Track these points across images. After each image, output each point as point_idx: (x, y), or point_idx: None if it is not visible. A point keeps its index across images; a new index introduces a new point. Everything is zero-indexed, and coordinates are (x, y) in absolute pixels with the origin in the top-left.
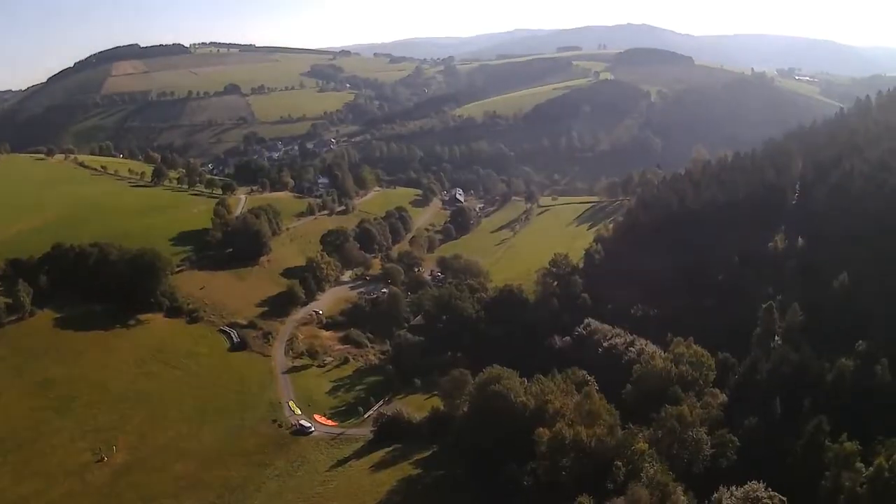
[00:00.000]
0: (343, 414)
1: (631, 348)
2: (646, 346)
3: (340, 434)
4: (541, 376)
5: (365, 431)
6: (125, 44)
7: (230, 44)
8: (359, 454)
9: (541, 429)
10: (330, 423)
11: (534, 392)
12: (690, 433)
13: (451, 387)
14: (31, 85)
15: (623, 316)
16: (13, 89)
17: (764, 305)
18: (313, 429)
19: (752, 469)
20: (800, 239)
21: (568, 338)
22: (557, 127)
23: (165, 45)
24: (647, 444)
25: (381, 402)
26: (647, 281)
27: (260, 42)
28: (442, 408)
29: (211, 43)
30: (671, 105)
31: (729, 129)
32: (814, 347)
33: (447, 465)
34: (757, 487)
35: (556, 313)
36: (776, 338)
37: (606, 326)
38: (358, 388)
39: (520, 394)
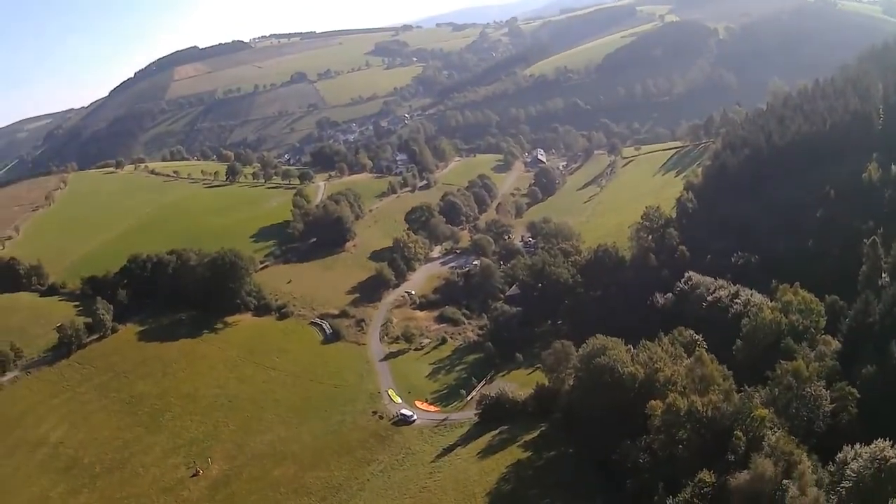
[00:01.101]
0: (445, 398)
1: (736, 300)
2: (751, 296)
3: (444, 420)
4: (647, 342)
5: (469, 415)
6: (184, 48)
7: (290, 33)
8: (465, 440)
9: (653, 401)
10: (432, 408)
11: (642, 360)
12: (809, 389)
13: (554, 361)
14: (92, 101)
15: (723, 266)
16: (75, 107)
17: (867, 241)
18: (415, 417)
19: (874, 422)
20: (893, 166)
21: (670, 294)
22: (630, 75)
23: (225, 44)
24: (766, 409)
25: (482, 382)
26: (743, 226)
27: (320, 28)
28: (547, 383)
29: (271, 35)
30: (740, 39)
31: (800, 57)
32: None
33: (557, 445)
34: (884, 446)
35: (655, 269)
36: (884, 275)
37: (708, 279)
38: (458, 368)
39: (627, 364)
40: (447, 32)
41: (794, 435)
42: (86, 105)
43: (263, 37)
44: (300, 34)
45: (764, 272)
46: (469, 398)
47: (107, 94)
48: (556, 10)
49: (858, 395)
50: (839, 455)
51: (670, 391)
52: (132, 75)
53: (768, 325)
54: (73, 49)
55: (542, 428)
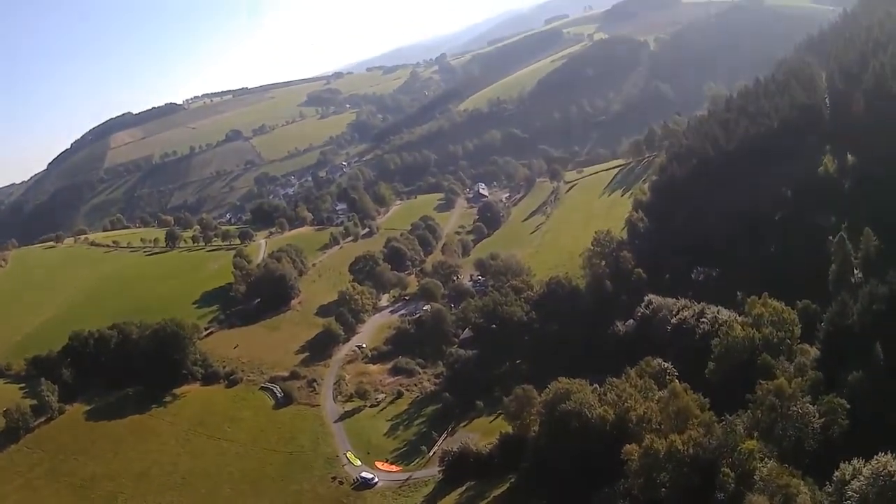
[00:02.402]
0: (406, 455)
1: (702, 319)
2: (718, 313)
3: (407, 479)
4: (613, 379)
5: (433, 471)
6: (117, 115)
7: (223, 91)
8: (430, 500)
9: (628, 446)
10: (394, 468)
11: (610, 400)
12: (794, 408)
13: (517, 407)
14: (32, 175)
15: (684, 284)
16: (16, 182)
17: (835, 238)
18: (377, 479)
19: (867, 431)
20: (849, 156)
21: (631, 321)
22: (565, 98)
23: (158, 108)
24: (753, 440)
25: (444, 436)
26: (699, 239)
27: (252, 83)
28: (511, 431)
29: (203, 95)
30: (671, 49)
31: (735, 58)
32: None
33: (528, 498)
34: (886, 460)
35: (612, 296)
36: (856, 271)
37: (670, 300)
38: (417, 422)
39: (595, 406)
40: (378, 76)
41: (784, 458)
42: (27, 179)
43: (196, 97)
44: (232, 91)
45: (727, 285)
46: (431, 454)
47: (45, 167)
48: (484, 42)
49: (848, 406)
50: (836, 473)
51: (645, 431)
52: (69, 146)
53: (741, 342)
54: (9, 122)
55: (511, 480)
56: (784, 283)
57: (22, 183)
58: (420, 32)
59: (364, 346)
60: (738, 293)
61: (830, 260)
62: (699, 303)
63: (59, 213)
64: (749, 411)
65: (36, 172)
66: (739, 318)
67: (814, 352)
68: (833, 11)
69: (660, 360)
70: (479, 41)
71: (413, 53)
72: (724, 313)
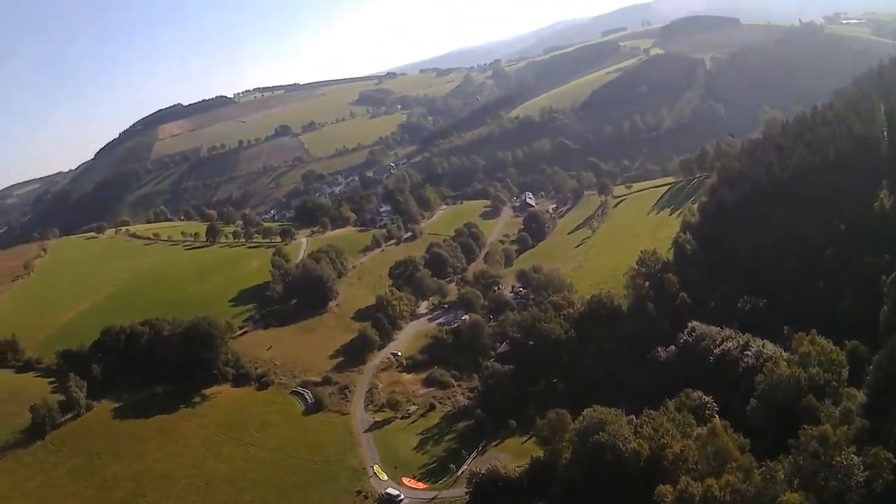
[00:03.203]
0: (434, 473)
1: (747, 352)
2: (763, 346)
3: (433, 499)
4: (651, 412)
5: (460, 492)
6: (167, 106)
7: (274, 86)
8: None
9: (662, 486)
10: (420, 486)
11: (646, 434)
12: (838, 458)
13: (550, 432)
14: (80, 164)
15: (729, 312)
16: (63, 171)
17: (888, 278)
18: (402, 497)
19: None
20: None
21: (673, 347)
22: (617, 112)
23: (209, 100)
24: (796, 494)
25: (474, 454)
26: (747, 267)
27: (304, 79)
28: (542, 456)
29: (255, 89)
30: (727, 70)
31: (791, 84)
32: None
33: None
34: None
35: (654, 320)
36: None
37: (714, 329)
38: (447, 438)
39: (629, 440)
40: (431, 78)
41: None
42: (73, 168)
43: (247, 91)
44: (284, 87)
45: (774, 318)
46: (459, 473)
47: (92, 156)
48: (540, 49)
49: (894, 460)
50: None
51: (681, 471)
52: (117, 136)
53: (786, 381)
54: (62, 110)
55: None
56: (833, 320)
57: (69, 172)
58: (475, 37)
59: (399, 353)
60: (785, 327)
61: (882, 301)
62: (744, 334)
63: (103, 204)
64: (791, 457)
65: (83, 162)
66: (785, 355)
67: (860, 397)
68: (890, 45)
69: (700, 394)
70: (534, 49)
71: (467, 57)
72: (770, 347)
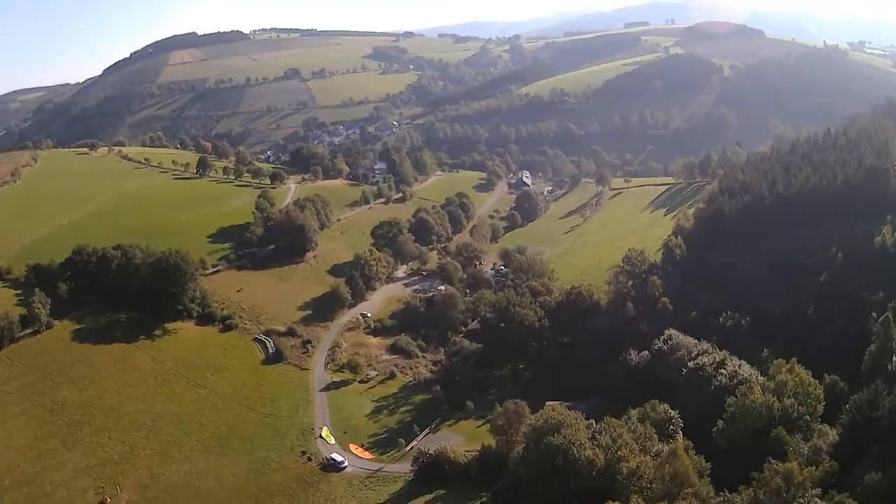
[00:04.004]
0: (383, 444)
1: (721, 370)
2: (739, 367)
3: (378, 470)
4: (612, 420)
5: (406, 468)
6: (182, 32)
7: (291, 28)
8: (396, 501)
9: (611, 503)
10: (367, 455)
11: (603, 443)
12: (801, 500)
13: (505, 422)
14: (87, 78)
15: (710, 326)
16: (70, 82)
17: (877, 316)
18: (346, 464)
19: None
20: None
21: (646, 352)
22: (628, 104)
23: (224, 33)
24: None
25: (426, 431)
26: (736, 282)
27: (322, 26)
28: (494, 446)
29: (271, 28)
30: (744, 79)
31: (806, 102)
32: None
33: None
34: None
35: (632, 320)
36: (895, 359)
37: (691, 340)
38: (403, 409)
39: (585, 446)
40: (448, 43)
41: None
42: (80, 81)
43: (263, 29)
44: (300, 31)
45: (755, 338)
46: (409, 448)
47: (100, 72)
48: (560, 32)
49: None
50: None
51: (633, 490)
52: (128, 55)
53: (758, 408)
54: (78, 23)
55: (483, 499)
56: (815, 349)
57: (76, 84)
58: (498, 10)
59: (369, 315)
60: (765, 350)
61: (870, 339)
62: (722, 350)
63: (103, 121)
64: (752, 490)
65: (90, 76)
66: (761, 380)
67: (833, 435)
68: None
69: (666, 407)
70: (555, 30)
71: (487, 30)
72: (746, 369)
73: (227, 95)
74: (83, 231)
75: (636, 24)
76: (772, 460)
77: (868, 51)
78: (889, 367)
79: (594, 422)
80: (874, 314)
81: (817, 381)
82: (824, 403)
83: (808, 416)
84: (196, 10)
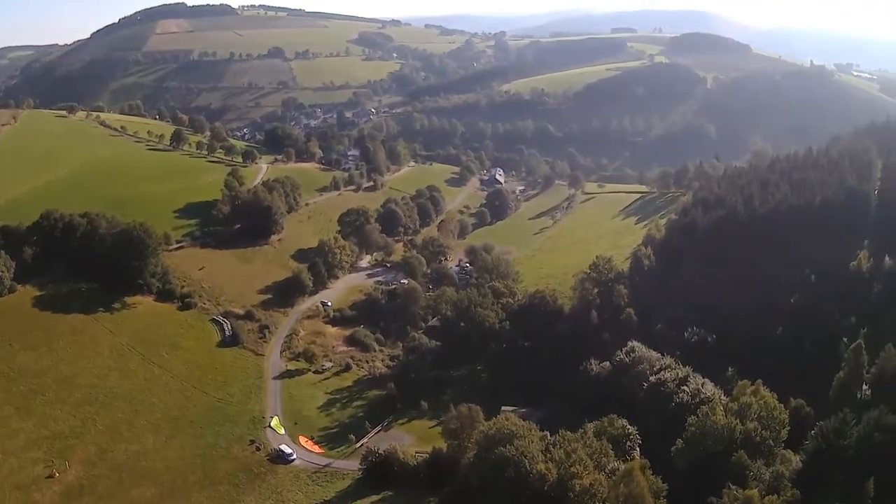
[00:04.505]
0: (333, 439)
1: (684, 387)
2: (703, 385)
3: (326, 466)
4: (567, 433)
5: (354, 465)
6: (171, 2)
7: (279, 7)
8: (342, 499)
9: None
10: (316, 449)
11: (556, 457)
12: None
13: (458, 425)
14: (75, 40)
15: (674, 341)
16: (60, 43)
17: (849, 342)
18: (295, 456)
19: None
20: (887, 258)
21: (607, 363)
22: (608, 109)
23: (212, 6)
24: None
25: (377, 428)
26: (704, 298)
27: (310, 7)
28: (445, 450)
29: (260, 5)
30: (728, 92)
31: (787, 120)
32: None
33: None
34: None
35: (595, 329)
36: (864, 387)
37: (654, 354)
38: (356, 404)
39: (537, 460)
40: (434, 34)
41: None
42: (69, 43)
43: (252, 6)
44: (288, 10)
45: (721, 356)
46: (359, 445)
47: (89, 35)
48: (547, 32)
49: None
50: None
51: None
52: (117, 20)
53: (719, 430)
54: None
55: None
56: (782, 372)
57: (64, 45)
58: (485, 5)
59: (329, 304)
60: (730, 369)
61: (840, 365)
62: (685, 366)
63: (87, 85)
64: None
65: (79, 39)
66: (724, 400)
67: (796, 461)
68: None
69: (625, 423)
70: (542, 30)
71: (474, 23)
72: (709, 388)
73: (210, 69)
74: (54, 195)
75: (623, 29)
76: (731, 486)
77: (855, 73)
78: (858, 395)
79: (548, 434)
80: (845, 340)
81: (782, 406)
82: (789, 428)
83: (771, 441)
84: None
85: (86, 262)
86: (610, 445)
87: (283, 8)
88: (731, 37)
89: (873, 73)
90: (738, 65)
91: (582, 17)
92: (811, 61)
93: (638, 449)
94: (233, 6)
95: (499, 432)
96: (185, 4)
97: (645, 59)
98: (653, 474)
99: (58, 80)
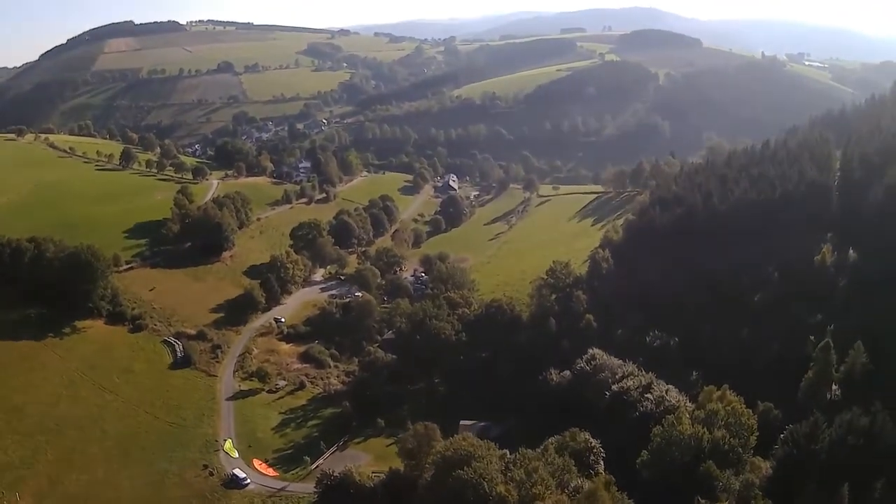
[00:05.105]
0: (288, 461)
1: (647, 394)
2: (667, 392)
3: (281, 489)
4: (527, 452)
5: (310, 488)
6: (119, 21)
7: (228, 21)
8: None
9: None
10: (271, 472)
11: (516, 478)
12: None
13: (415, 444)
14: (24, 62)
15: (636, 346)
16: (8, 66)
17: (817, 341)
18: (249, 481)
19: None
20: (851, 251)
21: (567, 372)
22: (560, 110)
23: (160, 23)
24: None
25: (332, 449)
26: (665, 299)
27: (259, 20)
28: (402, 470)
29: (208, 21)
30: (680, 88)
31: (740, 113)
32: (883, 403)
33: None
34: None
35: (554, 337)
36: (834, 387)
37: (616, 361)
38: (311, 423)
39: (496, 481)
40: (383, 42)
41: None
42: (18, 66)
43: (200, 21)
44: (237, 24)
45: (685, 360)
46: (314, 467)
47: (37, 57)
48: (497, 35)
49: None
50: None
51: None
52: (65, 41)
53: (686, 440)
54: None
55: None
56: (748, 373)
57: (13, 68)
58: (437, 11)
59: (283, 320)
60: (695, 373)
61: (807, 363)
62: (648, 373)
63: (36, 107)
64: None
65: (27, 61)
66: (690, 407)
67: (766, 468)
68: (854, 94)
69: (587, 436)
70: (491, 34)
71: (424, 30)
72: (674, 394)
73: (160, 87)
74: (1, 220)
75: (573, 29)
76: (700, 499)
77: (807, 63)
78: (828, 396)
79: (508, 452)
80: (812, 337)
81: (750, 411)
82: (757, 434)
83: (740, 448)
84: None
85: (35, 287)
86: (573, 461)
87: (232, 22)
88: (681, 32)
89: (824, 61)
90: (690, 60)
91: (531, 18)
92: (762, 53)
93: (602, 462)
94: (181, 22)
95: (456, 453)
96: (133, 23)
97: (595, 58)
98: (618, 490)
99: (7, 103)
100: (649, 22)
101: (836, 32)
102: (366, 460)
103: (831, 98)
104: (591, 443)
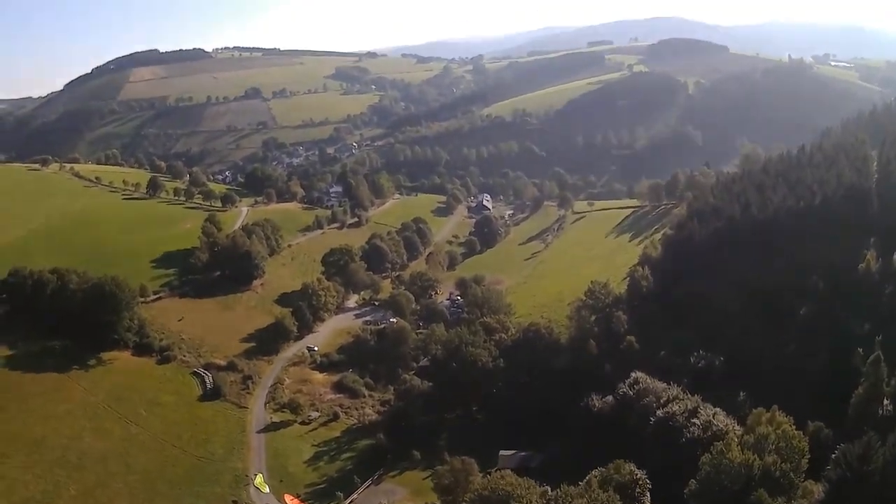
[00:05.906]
0: (321, 495)
1: (694, 419)
2: (714, 416)
3: None
4: (569, 489)
5: None
6: (144, 49)
7: (254, 48)
8: None
9: None
10: None
11: None
12: None
13: (452, 480)
14: (50, 92)
15: (680, 367)
16: (34, 96)
17: (865, 354)
18: None
19: None
20: (895, 257)
21: (610, 397)
22: (591, 124)
23: (186, 51)
24: None
25: (367, 484)
26: (708, 316)
27: (285, 46)
28: None
29: (234, 47)
30: (710, 95)
31: (771, 118)
32: None
33: None
34: None
35: (595, 360)
36: (886, 402)
37: (660, 384)
38: (345, 456)
39: None
40: (411, 64)
41: None
42: (43, 95)
43: (226, 48)
44: (263, 49)
45: (731, 380)
46: (348, 502)
47: (62, 87)
48: (524, 52)
49: None
50: None
51: None
52: (90, 71)
53: (736, 468)
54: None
55: None
56: (796, 390)
57: (38, 98)
58: (462, 30)
59: (316, 348)
60: (742, 394)
61: (855, 376)
62: (694, 395)
63: (63, 136)
64: None
65: (52, 91)
66: (738, 430)
67: (818, 491)
68: (882, 92)
69: (632, 467)
70: (518, 50)
71: (450, 49)
72: (721, 418)
73: (188, 114)
74: (25, 251)
75: (600, 42)
76: None
77: (833, 63)
78: (880, 412)
79: (549, 489)
80: (860, 349)
81: (801, 433)
82: (809, 457)
83: (791, 473)
84: (159, 26)
85: (58, 319)
86: (617, 496)
87: (258, 48)
88: (707, 39)
89: (850, 61)
90: (718, 66)
91: (557, 34)
92: (789, 56)
93: (648, 494)
94: (206, 49)
95: (493, 494)
96: (158, 51)
97: (624, 69)
98: None
99: (33, 132)
100: (675, 31)
101: (854, 30)
102: (402, 495)
103: (858, 98)
104: (636, 474)
